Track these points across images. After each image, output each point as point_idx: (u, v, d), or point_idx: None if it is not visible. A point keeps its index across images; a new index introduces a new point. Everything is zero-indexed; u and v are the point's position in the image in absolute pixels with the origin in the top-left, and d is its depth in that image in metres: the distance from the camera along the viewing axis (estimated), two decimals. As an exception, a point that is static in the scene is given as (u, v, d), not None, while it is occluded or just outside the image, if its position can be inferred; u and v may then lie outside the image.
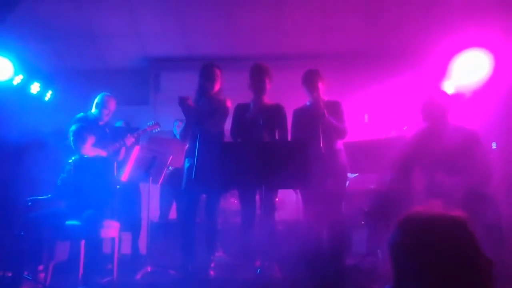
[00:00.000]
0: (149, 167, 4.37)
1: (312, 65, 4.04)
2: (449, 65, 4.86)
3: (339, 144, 3.85)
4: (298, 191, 4.47)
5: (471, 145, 3.27)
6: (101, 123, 4.49)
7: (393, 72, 5.48)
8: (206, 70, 3.93)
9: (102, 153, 4.23)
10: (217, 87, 3.92)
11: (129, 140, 4.44)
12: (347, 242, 3.92)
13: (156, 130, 4.70)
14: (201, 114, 3.81)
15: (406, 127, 5.00)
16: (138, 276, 3.90)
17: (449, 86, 4.97)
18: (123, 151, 4.45)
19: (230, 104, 3.93)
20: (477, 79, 4.70)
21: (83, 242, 3.68)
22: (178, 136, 4.85)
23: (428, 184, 3.28)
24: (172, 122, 5.45)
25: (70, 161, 4.06)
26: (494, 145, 4.48)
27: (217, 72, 3.93)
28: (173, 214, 5.22)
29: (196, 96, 3.96)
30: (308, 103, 3.92)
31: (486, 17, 4.45)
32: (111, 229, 3.81)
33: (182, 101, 3.76)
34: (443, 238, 1.13)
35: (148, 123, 4.68)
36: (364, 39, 5.98)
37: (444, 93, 3.70)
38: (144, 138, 4.86)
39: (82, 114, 4.51)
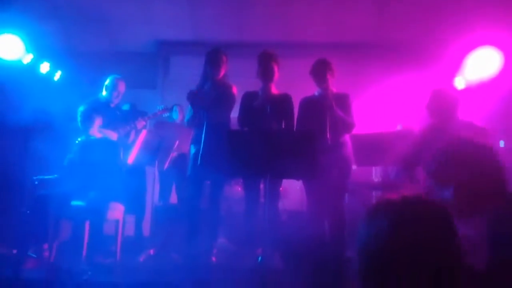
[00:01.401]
0: (155, 151, 4.40)
1: (321, 54, 4.00)
2: (461, 62, 4.83)
3: (345, 136, 3.84)
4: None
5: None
6: (111, 105, 4.51)
7: (403, 66, 5.44)
8: (212, 55, 3.92)
9: (113, 135, 4.26)
10: (222, 72, 3.92)
11: (140, 123, 4.47)
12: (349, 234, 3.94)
13: (166, 115, 4.71)
14: (207, 99, 3.80)
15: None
16: (141, 259, 3.95)
17: (460, 82, 4.95)
18: (133, 134, 4.49)
19: (235, 90, 3.93)
20: (487, 76, 4.68)
21: (87, 223, 3.73)
22: (177, 121, 4.88)
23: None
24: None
25: (77, 141, 4.10)
26: (502, 144, 4.47)
27: (223, 58, 3.91)
28: (172, 198, 5.26)
29: (201, 81, 3.96)
30: (316, 94, 3.91)
31: (498, 17, 4.41)
32: (115, 211, 3.85)
33: (191, 96, 3.78)
34: (422, 222, 1.14)
35: (158, 107, 4.69)
36: (375, 31, 5.92)
37: (451, 90, 3.68)
38: (151, 122, 4.87)
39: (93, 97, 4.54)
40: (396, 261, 1.11)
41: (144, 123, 4.51)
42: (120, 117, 4.49)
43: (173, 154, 4.87)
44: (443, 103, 3.47)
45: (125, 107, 5.09)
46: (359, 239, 1.21)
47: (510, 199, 1.58)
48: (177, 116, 5.06)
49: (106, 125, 4.24)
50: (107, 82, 4.52)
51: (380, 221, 1.17)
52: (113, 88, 4.49)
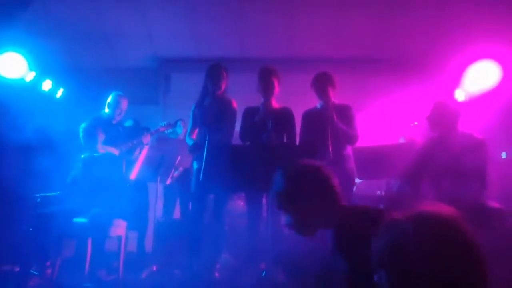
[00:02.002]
0: (157, 167, 4.40)
1: (323, 68, 4.02)
2: (461, 75, 4.87)
3: (348, 149, 3.84)
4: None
5: (476, 152, 3.24)
6: (113, 122, 4.53)
7: (405, 79, 5.48)
8: (213, 70, 3.92)
9: (114, 151, 4.27)
10: (222, 87, 3.93)
11: (146, 138, 4.47)
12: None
13: (170, 130, 4.72)
14: (208, 115, 3.81)
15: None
16: (144, 275, 3.92)
17: (460, 94, 4.97)
18: (138, 150, 4.49)
19: (235, 105, 3.94)
20: (486, 88, 4.71)
21: (89, 240, 3.72)
22: (181, 136, 4.88)
23: (436, 193, 3.27)
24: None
25: (81, 158, 4.10)
26: (504, 155, 4.46)
27: (224, 73, 3.92)
28: (176, 213, 5.24)
29: (201, 96, 3.97)
30: (318, 106, 3.92)
31: (496, 32, 4.47)
32: (118, 227, 3.83)
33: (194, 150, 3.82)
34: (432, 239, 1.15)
35: (162, 123, 4.69)
36: (376, 45, 5.96)
37: (452, 102, 3.69)
38: (153, 138, 4.89)
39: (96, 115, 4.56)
40: (408, 277, 1.10)
41: (149, 138, 4.52)
42: (122, 134, 4.50)
43: (180, 169, 4.89)
44: (444, 115, 3.47)
45: (128, 123, 5.11)
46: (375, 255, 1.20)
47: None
48: (181, 131, 5.08)
49: (108, 142, 4.24)
50: (109, 99, 4.52)
51: (387, 239, 1.16)
52: (115, 105, 4.50)
